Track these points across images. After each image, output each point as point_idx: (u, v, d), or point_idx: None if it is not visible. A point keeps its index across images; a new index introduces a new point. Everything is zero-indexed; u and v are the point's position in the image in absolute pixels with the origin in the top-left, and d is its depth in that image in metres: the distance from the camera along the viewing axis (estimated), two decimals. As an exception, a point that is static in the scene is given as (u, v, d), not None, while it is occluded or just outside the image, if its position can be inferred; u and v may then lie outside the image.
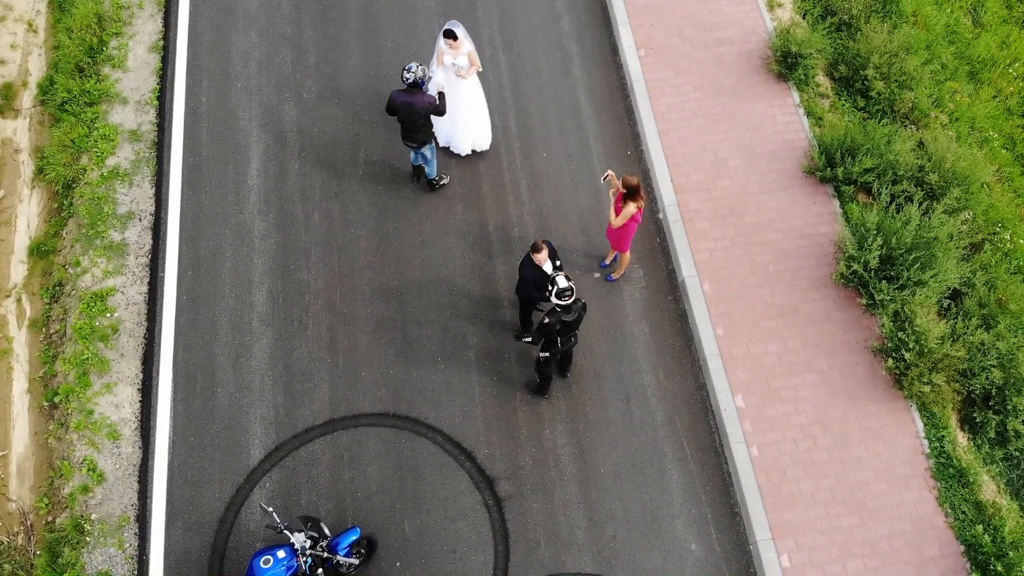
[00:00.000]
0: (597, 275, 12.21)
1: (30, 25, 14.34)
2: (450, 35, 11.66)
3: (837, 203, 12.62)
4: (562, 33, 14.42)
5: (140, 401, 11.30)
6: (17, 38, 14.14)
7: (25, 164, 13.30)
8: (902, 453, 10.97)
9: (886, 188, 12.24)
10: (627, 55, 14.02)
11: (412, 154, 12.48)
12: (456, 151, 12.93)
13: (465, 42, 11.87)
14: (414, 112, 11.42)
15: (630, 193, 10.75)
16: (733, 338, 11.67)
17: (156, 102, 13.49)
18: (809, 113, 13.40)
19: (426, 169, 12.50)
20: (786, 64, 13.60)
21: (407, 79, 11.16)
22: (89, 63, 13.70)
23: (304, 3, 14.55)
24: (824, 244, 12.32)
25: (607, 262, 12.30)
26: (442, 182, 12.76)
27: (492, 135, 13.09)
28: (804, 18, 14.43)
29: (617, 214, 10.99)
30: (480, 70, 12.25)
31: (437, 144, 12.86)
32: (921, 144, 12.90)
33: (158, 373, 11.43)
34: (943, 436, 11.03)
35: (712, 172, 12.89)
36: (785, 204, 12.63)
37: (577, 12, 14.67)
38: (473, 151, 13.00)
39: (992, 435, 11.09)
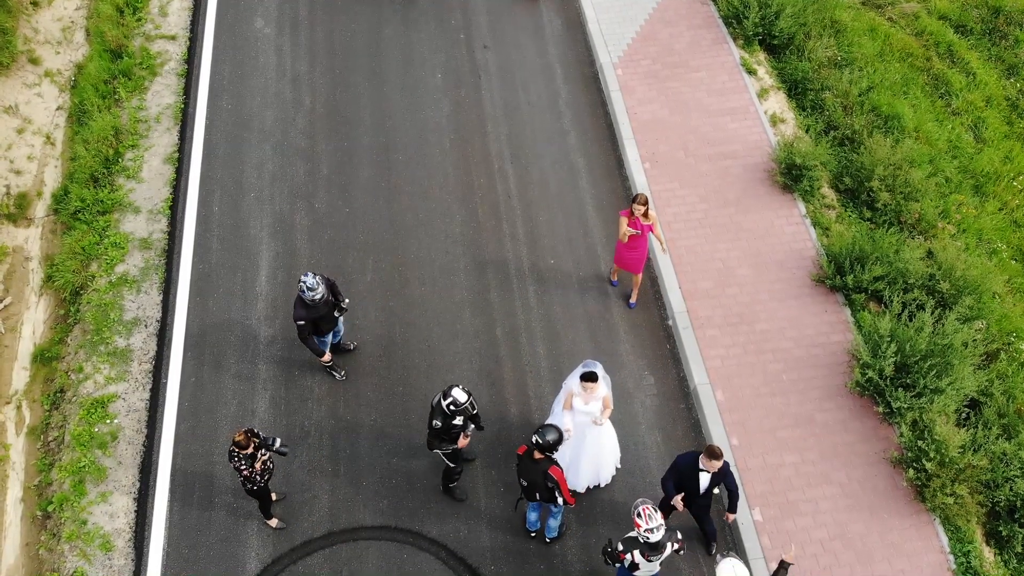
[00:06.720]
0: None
1: (48, 138, 14.67)
2: (590, 378, 10.01)
3: (848, 311, 12.50)
4: (569, 147, 14.69)
5: (135, 511, 10.94)
6: (34, 150, 14.44)
7: (34, 272, 13.34)
8: (928, 570, 10.47)
9: (897, 296, 12.14)
10: (632, 168, 14.23)
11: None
12: (571, 486, 10.78)
13: (602, 385, 10.27)
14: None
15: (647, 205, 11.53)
16: (748, 448, 11.35)
17: (168, 211, 13.64)
18: (816, 223, 13.46)
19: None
20: (791, 176, 13.75)
21: (306, 295, 10.54)
22: (104, 173, 13.93)
23: (319, 118, 14.91)
24: (837, 352, 12.13)
25: (616, 280, 12.95)
26: (335, 375, 11.99)
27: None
28: (807, 133, 14.70)
29: (646, 231, 11.65)
30: (611, 410, 10.57)
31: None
32: (930, 254, 12.88)
33: (155, 482, 11.10)
34: (969, 551, 10.55)
35: (721, 280, 12.85)
36: (796, 312, 12.52)
37: (583, 128, 14.98)
38: (589, 488, 11.16)
39: (1019, 550, 10.62)
